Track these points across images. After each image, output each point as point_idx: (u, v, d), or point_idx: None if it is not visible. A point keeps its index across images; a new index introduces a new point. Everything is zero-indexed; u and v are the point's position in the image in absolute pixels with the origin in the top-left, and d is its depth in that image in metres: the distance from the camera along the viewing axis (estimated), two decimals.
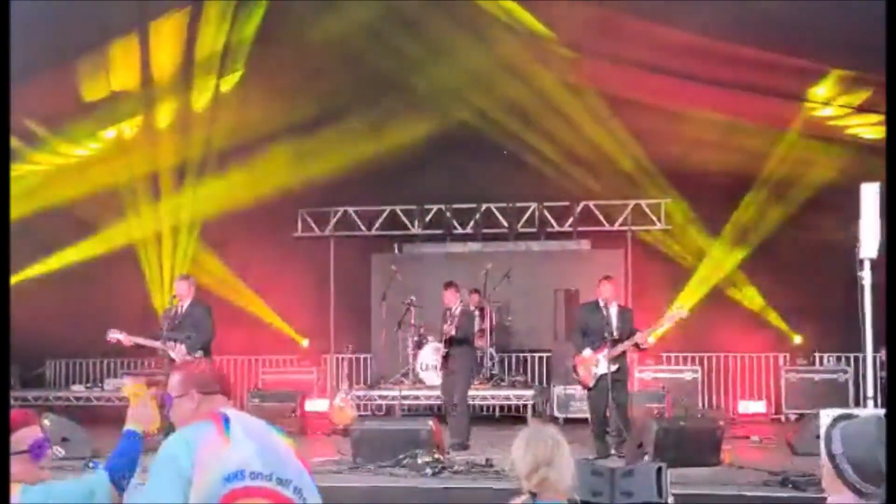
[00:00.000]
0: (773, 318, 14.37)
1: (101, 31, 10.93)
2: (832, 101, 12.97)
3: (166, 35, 11.60)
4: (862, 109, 12.54)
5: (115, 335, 10.15)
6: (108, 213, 13.95)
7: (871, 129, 12.77)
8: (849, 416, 2.90)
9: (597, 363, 9.64)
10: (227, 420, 3.18)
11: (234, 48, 12.14)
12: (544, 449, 3.24)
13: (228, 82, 13.05)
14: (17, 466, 3.32)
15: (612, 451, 9.54)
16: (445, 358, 11.07)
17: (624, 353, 9.74)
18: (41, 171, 13.12)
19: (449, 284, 11.21)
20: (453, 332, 10.84)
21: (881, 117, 12.13)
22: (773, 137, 13.22)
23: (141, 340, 10.26)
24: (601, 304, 9.78)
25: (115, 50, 11.60)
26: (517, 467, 3.28)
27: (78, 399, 13.59)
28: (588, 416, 10.21)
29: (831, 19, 10.18)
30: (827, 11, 10.12)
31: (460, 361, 11.02)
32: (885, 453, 2.70)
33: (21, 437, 3.39)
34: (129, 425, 3.60)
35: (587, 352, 9.71)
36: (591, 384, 9.73)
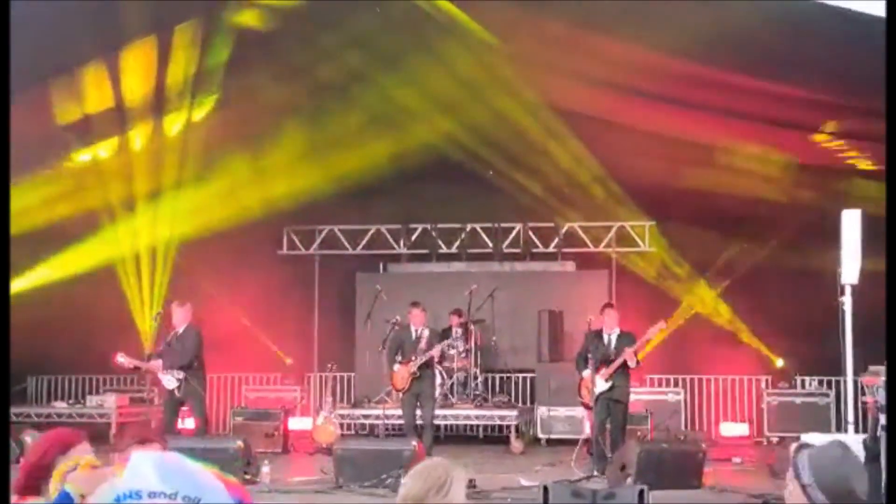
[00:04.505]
0: (756, 341, 14.43)
1: (72, 56, 10.95)
2: (833, 133, 12.93)
3: (137, 61, 11.61)
4: (861, 139, 12.52)
5: (122, 359, 10.47)
6: (87, 231, 13.89)
7: (867, 160, 12.76)
8: (808, 445, 2.99)
9: (595, 383, 10.13)
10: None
11: (208, 73, 12.16)
12: (420, 489, 3.00)
13: (204, 106, 13.05)
14: None
15: (595, 473, 9.59)
16: (413, 379, 10.92)
17: (623, 373, 10.18)
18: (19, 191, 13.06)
19: (416, 304, 11.21)
20: (433, 354, 10.87)
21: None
22: (763, 164, 13.27)
23: (139, 364, 10.68)
24: (603, 332, 10.33)
25: (87, 75, 11.64)
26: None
27: (60, 416, 13.50)
28: (574, 437, 10.95)
29: (832, 52, 10.21)
30: (826, 45, 10.17)
31: (430, 383, 11.12)
32: (853, 473, 2.80)
33: None
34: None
35: (587, 373, 10.27)
36: (591, 403, 10.25)
